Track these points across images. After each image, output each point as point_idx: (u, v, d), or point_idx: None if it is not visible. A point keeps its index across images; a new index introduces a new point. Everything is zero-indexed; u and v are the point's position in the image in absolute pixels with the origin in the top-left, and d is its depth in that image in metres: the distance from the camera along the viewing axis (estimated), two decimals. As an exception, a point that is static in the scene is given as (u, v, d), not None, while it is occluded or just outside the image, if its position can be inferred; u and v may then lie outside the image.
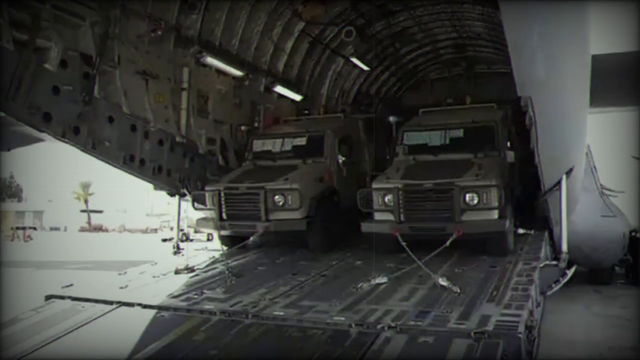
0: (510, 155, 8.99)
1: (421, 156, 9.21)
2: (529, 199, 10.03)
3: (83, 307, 6.54)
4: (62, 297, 6.84)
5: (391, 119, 13.70)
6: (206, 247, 10.36)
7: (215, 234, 10.08)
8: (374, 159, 11.40)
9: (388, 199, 8.12)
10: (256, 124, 11.81)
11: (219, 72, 10.73)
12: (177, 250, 9.92)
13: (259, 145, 10.47)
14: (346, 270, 7.96)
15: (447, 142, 9.49)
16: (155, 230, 52.44)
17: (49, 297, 6.89)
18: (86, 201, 70.22)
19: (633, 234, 14.52)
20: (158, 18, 9.02)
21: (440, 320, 5.38)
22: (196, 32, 9.93)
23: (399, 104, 17.19)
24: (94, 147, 7.98)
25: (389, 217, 8.14)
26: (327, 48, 13.56)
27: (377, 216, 8.40)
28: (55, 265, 22.14)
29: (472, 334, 4.93)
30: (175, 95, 9.63)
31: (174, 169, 9.64)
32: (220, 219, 8.93)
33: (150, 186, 9.77)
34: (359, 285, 6.71)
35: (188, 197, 9.71)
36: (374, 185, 8.45)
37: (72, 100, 7.53)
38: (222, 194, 8.90)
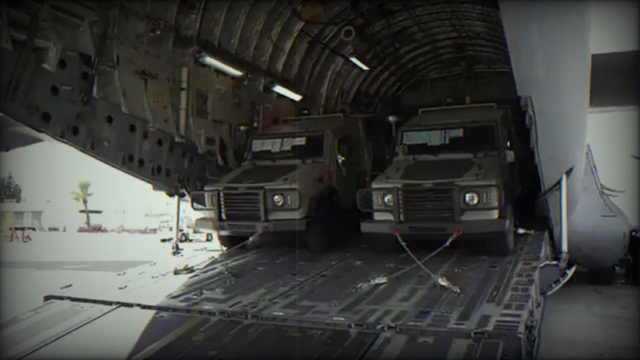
0: (510, 155, 8.97)
1: (421, 156, 9.20)
2: (528, 199, 10.03)
3: (82, 307, 6.52)
4: (61, 298, 6.82)
5: (391, 118, 13.69)
6: (205, 248, 10.34)
7: (215, 234, 10.07)
8: (373, 158, 11.40)
9: (388, 199, 8.11)
10: (255, 124, 11.81)
11: (218, 72, 10.70)
12: (176, 250, 9.90)
13: (258, 145, 10.46)
14: (346, 270, 7.94)
15: (447, 141, 9.48)
16: (154, 231, 52.46)
17: (47, 298, 6.87)
18: (85, 201, 70.21)
19: (633, 233, 14.54)
20: (157, 18, 9.01)
21: (440, 320, 5.36)
22: (195, 32, 9.91)
23: (399, 104, 17.19)
24: (92, 147, 7.97)
25: (389, 217, 8.12)
26: (326, 48, 13.56)
27: (377, 216, 8.39)
28: (54, 265, 22.13)
29: (472, 334, 4.91)
30: (174, 95, 9.61)
31: (173, 169, 9.63)
32: (220, 219, 8.91)
33: (149, 186, 9.74)
34: (359, 286, 6.69)
35: (187, 198, 9.69)
36: (374, 185, 8.43)
37: (71, 101, 7.53)
38: (221, 194, 8.88)
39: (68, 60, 7.47)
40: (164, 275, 8.04)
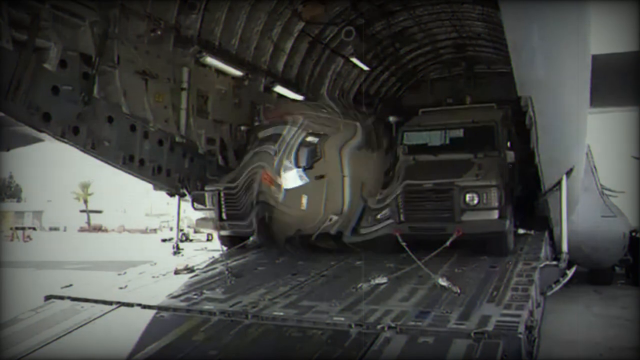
0: (510, 155, 8.98)
1: (421, 156, 9.22)
2: (529, 199, 10.03)
3: (82, 307, 6.52)
4: (61, 298, 6.83)
5: (391, 119, 13.68)
6: (206, 248, 10.35)
7: (215, 234, 10.06)
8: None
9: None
10: (256, 124, 11.79)
11: (219, 72, 10.71)
12: (177, 250, 9.90)
13: (258, 145, 10.43)
14: (346, 270, 7.94)
15: (447, 142, 9.51)
16: (155, 231, 52.49)
17: (48, 298, 6.87)
18: (86, 201, 70.29)
19: (633, 234, 14.54)
20: (158, 18, 9.02)
21: (440, 320, 5.36)
22: (196, 32, 9.91)
23: (399, 104, 17.18)
24: (93, 147, 7.97)
25: (389, 217, 8.14)
26: (326, 48, 13.55)
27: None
28: (54, 265, 22.13)
29: (472, 334, 4.91)
30: (174, 95, 9.61)
31: (174, 169, 9.63)
32: (220, 219, 8.91)
33: (150, 186, 9.75)
34: (359, 286, 6.68)
35: (188, 197, 9.69)
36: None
37: (72, 100, 7.53)
38: (222, 194, 8.89)
39: (69, 60, 7.48)
40: (164, 275, 8.04)
